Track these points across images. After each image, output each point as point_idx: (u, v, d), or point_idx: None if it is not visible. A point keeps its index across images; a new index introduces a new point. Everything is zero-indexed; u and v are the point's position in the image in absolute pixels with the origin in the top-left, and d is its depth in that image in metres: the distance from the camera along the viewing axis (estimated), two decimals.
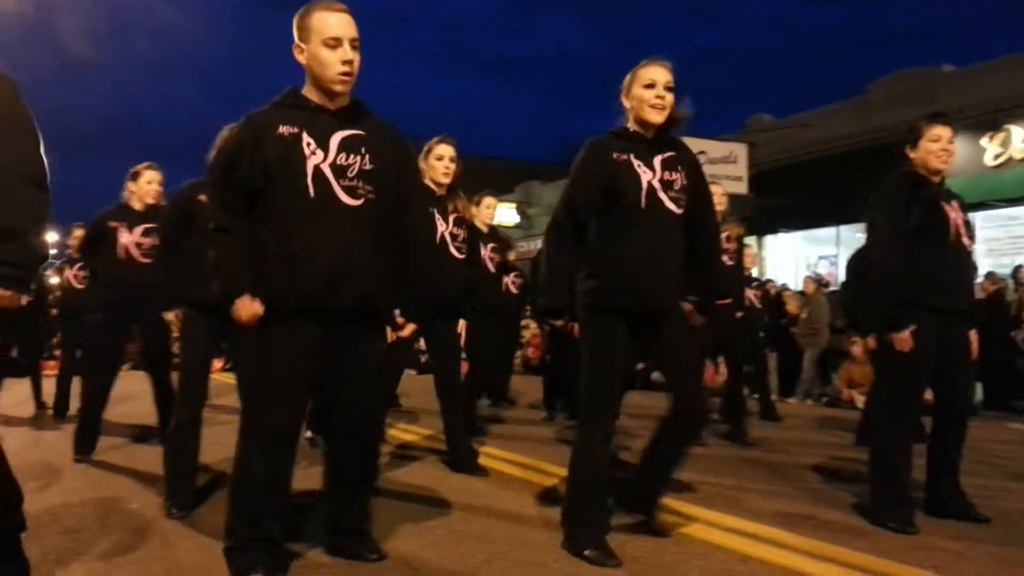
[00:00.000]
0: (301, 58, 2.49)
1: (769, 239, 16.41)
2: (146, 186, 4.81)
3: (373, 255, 2.55)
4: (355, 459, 2.75)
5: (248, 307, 2.46)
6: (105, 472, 4.39)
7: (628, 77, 3.01)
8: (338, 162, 2.47)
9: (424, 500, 3.72)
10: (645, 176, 2.92)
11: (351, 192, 2.48)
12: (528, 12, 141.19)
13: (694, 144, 4.34)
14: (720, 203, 5.38)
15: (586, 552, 2.85)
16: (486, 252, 5.81)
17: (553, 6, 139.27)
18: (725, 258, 5.40)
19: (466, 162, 4.39)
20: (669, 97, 2.93)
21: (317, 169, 2.45)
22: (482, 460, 4.50)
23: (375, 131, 2.59)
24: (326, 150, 2.47)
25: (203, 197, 3.48)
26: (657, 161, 2.95)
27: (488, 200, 5.98)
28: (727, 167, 14.17)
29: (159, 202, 4.73)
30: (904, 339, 3.33)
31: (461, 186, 4.43)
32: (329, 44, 2.43)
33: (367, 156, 2.52)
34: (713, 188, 5.49)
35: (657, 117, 2.93)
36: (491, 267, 5.93)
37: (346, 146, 2.50)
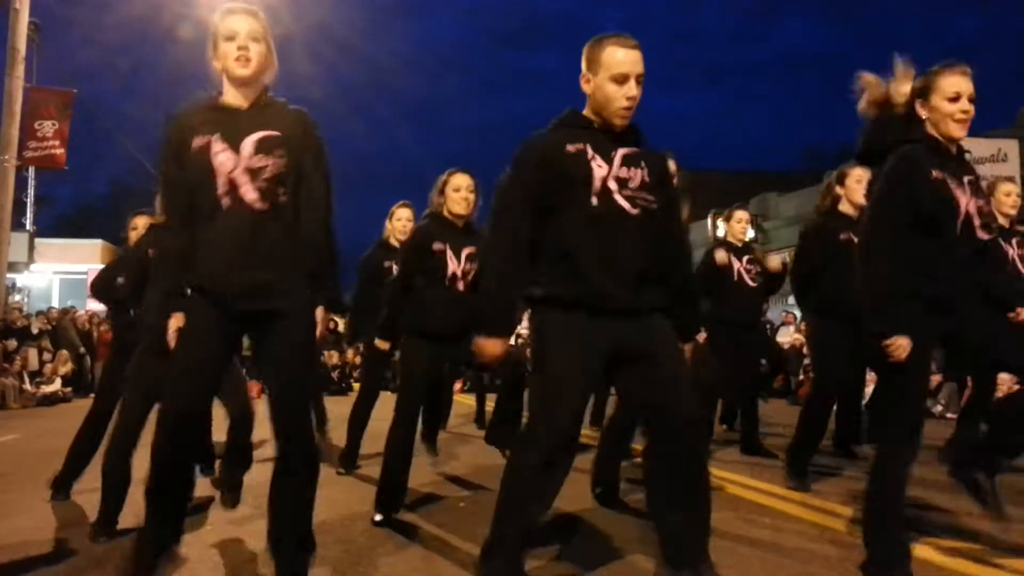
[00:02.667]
0: (587, 88, 2.62)
1: None
2: (397, 223, 5.33)
3: (653, 262, 2.62)
4: (681, 466, 2.54)
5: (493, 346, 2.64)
6: (368, 486, 4.74)
7: (921, 82, 2.85)
8: (620, 175, 2.59)
9: None
10: (963, 201, 2.78)
11: (631, 202, 2.59)
12: (758, 17, 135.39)
13: None
14: (1014, 206, 4.85)
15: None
16: (740, 266, 5.63)
17: (785, 8, 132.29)
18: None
19: (699, 177, 4.29)
20: (973, 109, 2.76)
21: (603, 180, 2.57)
22: (752, 495, 4.30)
23: (648, 151, 2.70)
24: (610, 163, 2.59)
25: (438, 245, 3.78)
26: (967, 184, 2.80)
27: (739, 214, 5.79)
28: (996, 166, 12.66)
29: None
30: None
31: (697, 201, 4.32)
32: (616, 80, 2.54)
33: (645, 171, 2.63)
34: (1008, 187, 4.99)
35: (962, 133, 2.78)
36: (749, 281, 5.66)
37: (627, 161, 2.61)
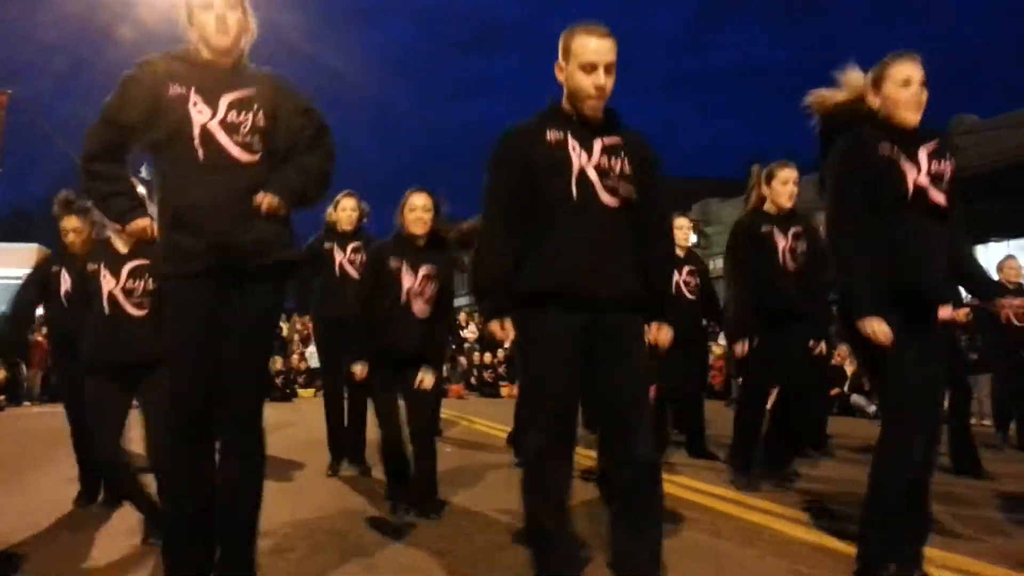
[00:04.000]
0: (560, 76, 2.62)
1: (979, 250, 15.02)
2: (342, 213, 5.31)
3: (628, 254, 2.60)
4: (636, 475, 2.54)
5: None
6: (300, 491, 4.71)
7: (873, 73, 2.90)
8: (600, 165, 2.57)
9: None
10: (911, 175, 2.81)
11: (611, 192, 2.57)
12: (709, 24, 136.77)
13: None
14: (791, 196, 4.71)
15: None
16: (681, 277, 5.49)
17: (736, 17, 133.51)
18: None
19: None
20: (925, 94, 2.83)
21: (582, 171, 2.55)
22: (691, 495, 4.39)
23: (629, 139, 2.67)
24: (590, 153, 2.57)
25: (394, 263, 3.89)
26: (923, 155, 2.84)
27: (679, 221, 5.58)
28: None
29: (355, 227, 5.33)
30: None
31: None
32: (585, 68, 2.52)
33: (625, 160, 2.61)
34: (785, 174, 4.71)
35: (915, 117, 2.84)
36: (687, 293, 5.53)
37: (607, 151, 2.59)
